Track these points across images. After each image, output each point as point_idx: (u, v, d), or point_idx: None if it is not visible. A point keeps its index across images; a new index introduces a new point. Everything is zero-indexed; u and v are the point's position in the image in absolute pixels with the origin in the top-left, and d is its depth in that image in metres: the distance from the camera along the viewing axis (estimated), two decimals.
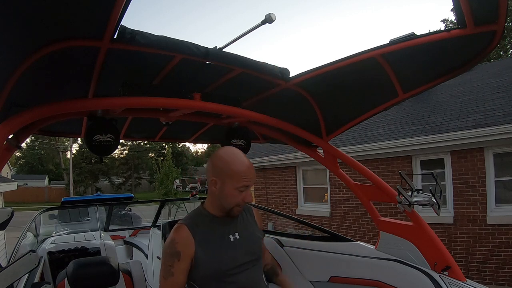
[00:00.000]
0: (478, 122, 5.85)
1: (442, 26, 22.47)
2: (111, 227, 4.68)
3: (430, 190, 1.80)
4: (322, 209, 8.42)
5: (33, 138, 35.81)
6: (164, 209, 4.66)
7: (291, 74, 1.77)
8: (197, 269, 1.32)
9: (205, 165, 14.18)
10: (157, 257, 3.72)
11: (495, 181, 5.61)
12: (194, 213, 1.45)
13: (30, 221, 3.96)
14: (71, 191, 26.47)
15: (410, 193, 1.85)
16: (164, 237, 3.68)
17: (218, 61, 1.50)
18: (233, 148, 1.40)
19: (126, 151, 40.93)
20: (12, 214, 1.34)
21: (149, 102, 1.57)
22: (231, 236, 1.38)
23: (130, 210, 6.95)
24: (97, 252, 3.54)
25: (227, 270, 1.32)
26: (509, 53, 20.67)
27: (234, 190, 1.29)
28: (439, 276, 1.78)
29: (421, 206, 1.85)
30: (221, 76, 1.72)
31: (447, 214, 5.91)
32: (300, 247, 2.56)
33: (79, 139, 22.62)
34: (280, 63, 2.05)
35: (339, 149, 2.30)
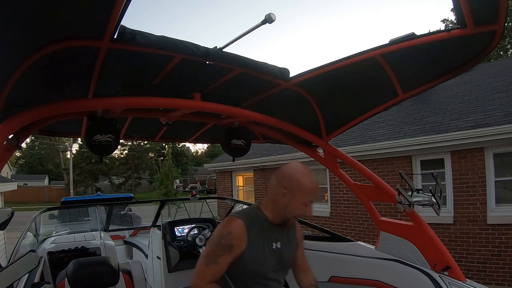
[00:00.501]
0: (478, 122, 5.85)
1: (442, 26, 22.48)
2: (111, 227, 4.68)
3: (430, 190, 1.80)
4: (322, 209, 8.41)
5: (33, 138, 35.81)
6: (164, 209, 4.66)
7: (291, 74, 1.77)
8: (238, 264, 1.39)
9: (205, 165, 14.15)
10: (157, 257, 3.72)
11: (495, 181, 5.61)
12: (251, 212, 1.50)
13: (30, 221, 3.96)
14: (71, 191, 26.46)
15: (410, 193, 1.85)
16: (164, 237, 3.68)
17: (218, 61, 1.50)
18: (303, 165, 1.46)
19: (126, 151, 40.93)
20: (12, 214, 1.34)
21: (149, 102, 1.58)
22: (274, 244, 1.46)
23: (130, 210, 6.94)
24: (97, 252, 3.54)
25: (260, 274, 1.43)
26: (509, 53, 20.67)
27: (301, 203, 1.40)
28: (439, 276, 1.79)
29: (421, 206, 1.86)
30: (221, 76, 1.72)
31: (447, 214, 5.91)
32: None
33: (79, 139, 22.64)
34: (280, 63, 2.05)
35: (339, 149, 2.30)
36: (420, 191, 1.87)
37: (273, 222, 1.47)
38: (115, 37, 1.18)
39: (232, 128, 2.32)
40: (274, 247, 1.45)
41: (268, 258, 1.43)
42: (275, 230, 1.47)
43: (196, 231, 3.82)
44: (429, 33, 1.42)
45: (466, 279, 1.78)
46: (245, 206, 6.49)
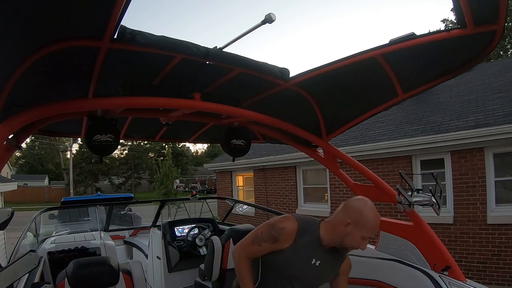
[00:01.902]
0: (478, 122, 5.85)
1: (442, 26, 22.47)
2: (111, 227, 4.68)
3: (430, 190, 1.80)
4: (322, 209, 8.41)
5: (33, 138, 35.81)
6: (164, 209, 4.66)
7: (291, 74, 1.77)
8: (273, 258, 1.50)
9: (205, 165, 14.15)
10: (157, 257, 3.72)
11: (495, 181, 5.61)
12: (309, 222, 1.57)
13: (30, 221, 3.95)
14: (71, 191, 26.46)
15: (410, 193, 1.85)
16: (164, 237, 3.68)
17: (218, 61, 1.50)
18: (371, 203, 1.52)
19: (126, 151, 40.92)
20: (12, 214, 1.34)
21: (149, 102, 1.57)
22: (314, 260, 1.52)
23: (130, 210, 6.94)
24: (97, 252, 3.54)
25: (287, 277, 1.52)
26: (509, 53, 20.67)
27: (359, 237, 1.46)
28: (439, 276, 1.79)
29: (421, 206, 1.86)
30: (221, 76, 1.72)
31: (447, 214, 5.91)
32: None
33: (79, 139, 22.64)
34: (280, 63, 2.05)
35: (339, 149, 2.30)
36: (420, 191, 1.87)
37: (322, 242, 1.52)
38: (115, 37, 1.18)
39: (232, 128, 2.32)
40: (312, 262, 1.51)
41: (301, 269, 1.51)
42: (321, 250, 1.53)
43: (196, 231, 3.82)
44: (429, 33, 1.42)
45: (466, 279, 1.79)
46: (245, 206, 6.50)
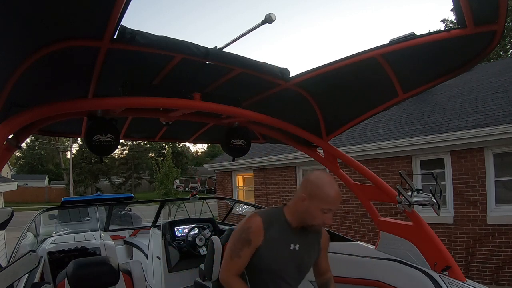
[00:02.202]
0: (478, 122, 5.85)
1: (442, 26, 22.47)
2: (111, 227, 4.68)
3: (430, 190, 1.80)
4: None
5: (33, 138, 35.81)
6: (164, 209, 4.66)
7: (291, 74, 1.77)
8: (254, 259, 1.47)
9: (205, 165, 14.16)
10: (157, 257, 3.72)
11: (495, 181, 5.61)
12: (273, 212, 1.58)
13: (30, 221, 3.95)
14: (71, 191, 26.45)
15: (410, 193, 1.85)
16: (164, 237, 3.68)
17: (218, 61, 1.50)
18: (328, 175, 1.50)
19: (126, 151, 40.92)
20: (12, 214, 1.34)
21: (149, 102, 1.57)
22: (292, 245, 1.51)
23: (130, 210, 6.94)
24: (97, 252, 3.54)
25: (275, 272, 1.48)
26: (509, 53, 20.67)
27: (318, 210, 1.42)
28: (439, 276, 1.79)
29: (421, 206, 1.85)
30: (221, 76, 1.72)
31: (447, 214, 5.91)
32: None
33: (79, 139, 22.62)
34: (280, 63, 2.05)
35: (339, 149, 2.30)
36: (420, 191, 1.86)
37: (292, 225, 1.51)
38: (115, 37, 1.18)
39: (232, 128, 2.32)
40: (291, 248, 1.50)
41: (284, 258, 1.49)
42: (295, 232, 1.52)
43: (196, 231, 3.82)
44: (429, 33, 1.42)
45: (466, 279, 1.78)
46: (245, 206, 6.50)
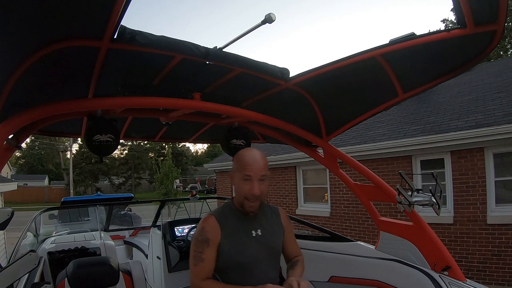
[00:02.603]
0: (478, 122, 5.85)
1: (442, 26, 22.47)
2: (111, 227, 4.68)
3: (430, 190, 1.80)
4: (322, 209, 8.41)
5: (33, 138, 35.78)
6: (164, 209, 4.66)
7: (291, 74, 1.77)
8: (220, 258, 1.41)
9: (205, 165, 14.17)
10: (157, 257, 3.72)
11: (495, 181, 5.61)
12: (224, 207, 1.55)
13: (30, 221, 3.96)
14: (71, 191, 26.43)
15: (410, 193, 1.85)
16: (164, 237, 3.68)
17: (218, 61, 1.50)
18: (253, 149, 1.48)
19: (126, 151, 40.93)
20: (12, 214, 1.34)
21: (149, 102, 1.57)
22: (253, 232, 1.47)
23: (130, 210, 6.94)
24: (97, 252, 3.54)
25: (246, 264, 1.42)
26: (509, 53, 20.67)
27: (240, 180, 1.40)
28: (439, 276, 1.78)
29: (421, 206, 1.85)
30: (221, 76, 1.72)
31: (447, 214, 5.91)
32: (300, 247, 2.55)
33: (79, 139, 22.62)
34: (280, 63, 2.05)
35: (339, 149, 2.30)
36: (420, 191, 1.86)
37: (243, 211, 1.47)
38: (115, 37, 1.18)
39: (232, 128, 2.32)
40: (254, 234, 1.47)
41: (250, 246, 1.44)
42: (252, 219, 1.49)
43: None
44: (429, 33, 1.42)
45: (466, 279, 1.78)
46: None
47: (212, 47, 1.47)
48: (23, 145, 1.59)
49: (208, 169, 13.29)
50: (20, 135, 1.49)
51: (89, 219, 5.97)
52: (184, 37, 1.78)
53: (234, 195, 1.54)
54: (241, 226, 1.46)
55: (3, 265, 2.14)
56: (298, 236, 2.82)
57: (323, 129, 2.24)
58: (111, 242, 3.79)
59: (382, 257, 2.10)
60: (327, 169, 6.92)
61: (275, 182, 9.71)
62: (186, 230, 3.87)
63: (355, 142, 7.65)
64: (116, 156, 39.43)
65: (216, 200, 9.87)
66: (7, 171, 26.94)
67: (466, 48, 1.49)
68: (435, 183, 1.79)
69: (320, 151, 2.41)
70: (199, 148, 58.60)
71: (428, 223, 1.96)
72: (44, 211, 4.19)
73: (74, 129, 2.28)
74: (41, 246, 3.61)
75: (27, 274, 1.89)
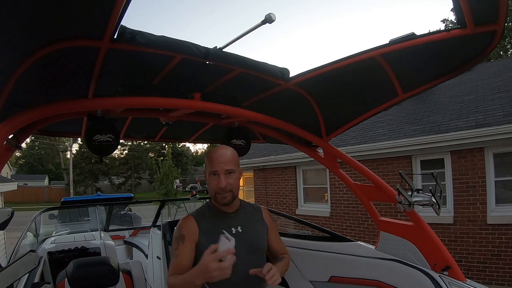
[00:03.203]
0: (478, 122, 5.85)
1: (442, 26, 22.47)
2: (111, 227, 4.68)
3: (430, 190, 1.80)
4: (322, 209, 8.41)
5: (33, 138, 35.80)
6: (164, 209, 4.66)
7: (291, 74, 1.77)
8: (199, 256, 1.37)
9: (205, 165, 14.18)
10: (157, 257, 3.72)
11: (495, 181, 5.61)
12: (202, 207, 1.58)
13: (30, 221, 3.96)
14: (71, 191, 26.45)
15: (410, 193, 1.85)
16: (164, 237, 3.68)
17: (218, 61, 1.49)
18: (220, 146, 1.53)
19: (126, 151, 40.94)
20: (12, 214, 1.34)
21: (149, 102, 1.57)
22: (233, 229, 1.47)
23: (130, 210, 6.94)
24: (97, 252, 3.54)
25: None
26: (509, 53, 20.68)
27: (209, 176, 1.46)
28: (439, 276, 1.78)
29: (421, 206, 1.85)
30: (221, 76, 1.72)
31: (447, 214, 5.91)
32: (300, 247, 2.56)
33: (79, 139, 22.62)
34: (280, 63, 2.05)
35: (339, 149, 2.30)
36: (420, 191, 1.86)
37: (222, 209, 1.50)
38: (115, 37, 1.17)
39: (232, 128, 2.32)
40: (234, 231, 1.46)
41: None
42: (231, 216, 1.51)
43: None
44: (429, 33, 1.42)
45: (466, 279, 1.78)
46: None
47: (212, 47, 1.47)
48: (23, 145, 1.58)
49: None
50: (20, 135, 1.49)
51: (89, 219, 5.97)
52: (184, 37, 1.78)
53: None
54: (220, 224, 1.46)
55: (3, 265, 2.14)
56: (298, 236, 2.82)
57: (323, 129, 2.24)
58: (111, 242, 3.79)
59: (382, 257, 2.10)
60: (327, 169, 6.92)
61: (275, 182, 9.71)
62: None
63: (355, 142, 7.65)
64: (116, 156, 39.46)
65: None
66: (7, 171, 26.94)
67: (466, 48, 1.48)
68: (435, 183, 1.79)
69: (320, 151, 2.41)
70: (199, 148, 58.66)
71: (428, 223, 1.96)
72: (44, 211, 4.19)
73: (74, 129, 2.28)
74: (41, 246, 3.61)
75: (27, 274, 1.89)
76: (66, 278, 2.11)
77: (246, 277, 1.39)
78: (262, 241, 1.54)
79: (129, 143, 39.01)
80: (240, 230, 1.48)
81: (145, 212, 8.42)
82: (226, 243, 1.18)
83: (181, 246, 1.41)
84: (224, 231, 1.24)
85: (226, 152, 1.47)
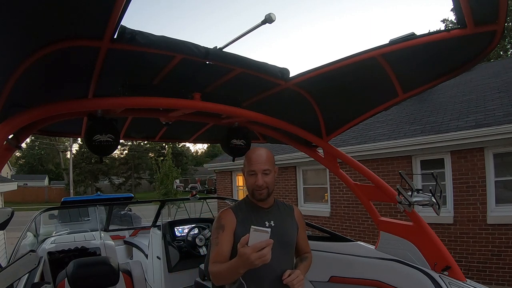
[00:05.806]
0: (478, 122, 5.85)
1: (442, 26, 22.46)
2: (111, 227, 4.68)
3: (430, 190, 1.80)
4: (322, 209, 8.41)
5: (33, 138, 35.77)
6: (164, 209, 4.66)
7: (291, 74, 1.77)
8: (235, 246, 1.45)
9: (205, 165, 14.17)
10: (157, 257, 3.72)
11: (495, 181, 5.61)
12: (239, 202, 1.70)
13: (30, 221, 3.95)
14: (71, 191, 26.43)
15: (410, 193, 1.85)
16: (164, 237, 3.69)
17: (218, 61, 1.49)
18: (257, 147, 1.62)
19: (126, 151, 40.92)
20: (12, 214, 1.34)
21: (149, 102, 1.57)
22: (266, 223, 1.57)
23: (130, 210, 6.94)
24: (97, 252, 3.54)
25: None
26: (509, 53, 20.67)
27: (247, 175, 1.57)
28: (439, 276, 1.79)
29: (421, 206, 1.85)
30: (221, 76, 1.72)
31: (447, 214, 5.91)
32: None
33: (79, 139, 22.63)
34: (280, 63, 2.05)
35: (339, 149, 2.30)
36: (420, 191, 1.86)
37: (257, 204, 1.61)
38: (115, 37, 1.17)
39: (232, 128, 2.32)
40: (267, 225, 1.56)
41: None
42: (266, 211, 1.61)
43: (196, 231, 3.82)
44: (429, 33, 1.42)
45: (466, 279, 1.78)
46: None
47: (212, 47, 1.47)
48: (23, 145, 1.58)
49: (208, 169, 13.30)
50: (20, 135, 1.49)
51: (89, 219, 5.97)
52: (184, 37, 1.79)
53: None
54: (256, 216, 1.57)
55: (3, 265, 2.14)
56: None
57: (323, 129, 2.24)
58: (111, 242, 3.79)
59: (382, 257, 2.11)
60: (327, 169, 6.92)
61: (275, 182, 9.70)
62: (186, 230, 3.87)
63: (355, 142, 7.65)
64: (116, 156, 39.43)
65: (216, 200, 9.88)
66: (7, 171, 26.94)
67: (466, 48, 1.49)
68: (435, 183, 1.79)
69: (320, 151, 2.41)
70: (199, 148, 58.67)
71: (428, 223, 1.96)
72: (44, 211, 4.19)
73: (74, 129, 2.28)
74: (41, 246, 3.61)
75: (27, 274, 1.89)
76: (66, 278, 2.11)
77: (276, 268, 1.50)
78: (291, 237, 1.64)
79: (129, 143, 38.99)
80: (273, 224, 1.57)
81: (145, 212, 8.42)
82: (259, 236, 1.28)
83: (221, 235, 1.52)
84: (253, 226, 1.31)
85: (263, 153, 1.57)
